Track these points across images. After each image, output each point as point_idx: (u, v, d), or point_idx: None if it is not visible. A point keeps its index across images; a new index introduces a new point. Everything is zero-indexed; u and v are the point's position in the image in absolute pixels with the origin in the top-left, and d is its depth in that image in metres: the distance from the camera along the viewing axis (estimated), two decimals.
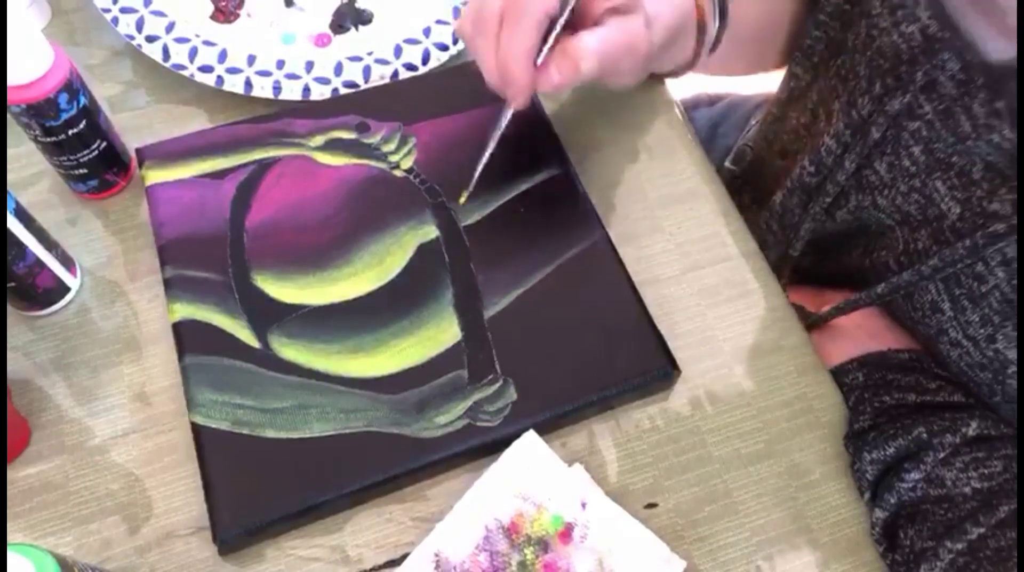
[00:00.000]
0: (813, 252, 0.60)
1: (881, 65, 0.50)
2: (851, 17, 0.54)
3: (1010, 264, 0.44)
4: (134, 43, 0.58)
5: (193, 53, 0.58)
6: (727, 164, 0.74)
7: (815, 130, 0.58)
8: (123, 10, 0.59)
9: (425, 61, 0.61)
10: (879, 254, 0.53)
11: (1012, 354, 0.45)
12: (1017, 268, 0.43)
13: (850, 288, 0.55)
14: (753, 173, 0.70)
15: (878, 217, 0.53)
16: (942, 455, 0.46)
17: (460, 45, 0.61)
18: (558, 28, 0.45)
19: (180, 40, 0.58)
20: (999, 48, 0.32)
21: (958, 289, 0.47)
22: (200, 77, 0.57)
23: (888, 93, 0.49)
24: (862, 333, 0.54)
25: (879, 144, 0.51)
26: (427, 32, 0.61)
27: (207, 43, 0.59)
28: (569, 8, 0.45)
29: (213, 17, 0.61)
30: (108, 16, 0.58)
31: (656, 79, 0.61)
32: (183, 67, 0.58)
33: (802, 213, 0.58)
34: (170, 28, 0.59)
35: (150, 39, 0.58)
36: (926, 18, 0.46)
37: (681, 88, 0.62)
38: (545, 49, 0.45)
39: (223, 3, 0.61)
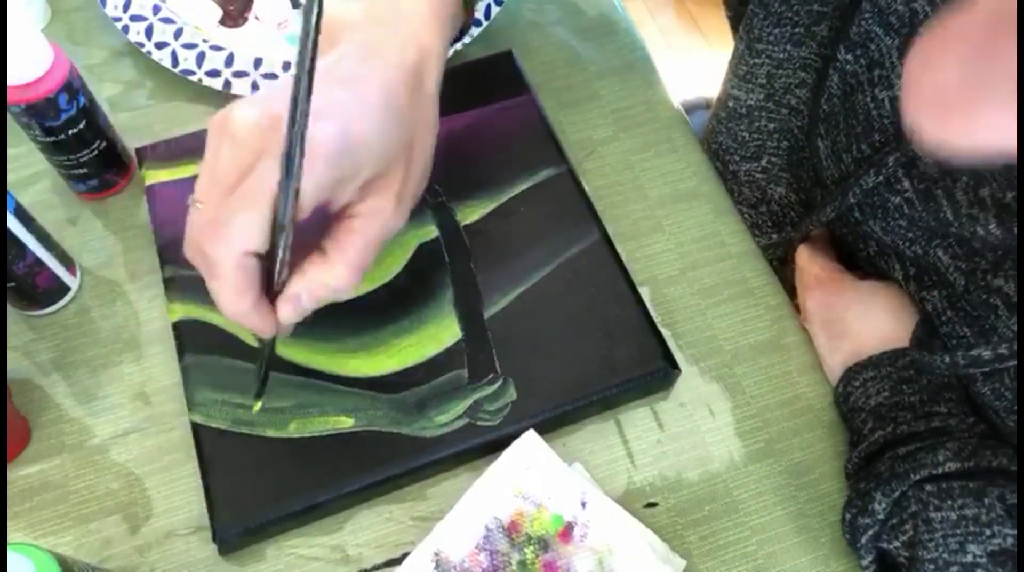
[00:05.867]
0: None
1: (854, 127, 0.47)
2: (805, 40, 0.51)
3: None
4: (143, 50, 0.58)
5: (201, 58, 0.58)
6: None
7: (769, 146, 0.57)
8: (133, 18, 0.59)
9: None
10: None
11: None
12: (1017, 280, 0.41)
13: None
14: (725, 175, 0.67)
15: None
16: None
17: (459, 45, 0.61)
18: (281, 256, 0.37)
19: (188, 46, 0.59)
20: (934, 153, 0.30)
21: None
22: (208, 82, 0.58)
23: (864, 162, 0.46)
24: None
25: (862, 209, 0.48)
26: None
27: (215, 48, 0.59)
28: (284, 245, 0.37)
29: (222, 21, 0.61)
30: (119, 24, 0.58)
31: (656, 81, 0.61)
32: (192, 72, 0.58)
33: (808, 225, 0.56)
34: (178, 34, 0.59)
35: (159, 46, 0.58)
36: (899, 87, 0.41)
37: (680, 92, 0.62)
38: (280, 270, 0.38)
39: (231, 7, 0.61)
